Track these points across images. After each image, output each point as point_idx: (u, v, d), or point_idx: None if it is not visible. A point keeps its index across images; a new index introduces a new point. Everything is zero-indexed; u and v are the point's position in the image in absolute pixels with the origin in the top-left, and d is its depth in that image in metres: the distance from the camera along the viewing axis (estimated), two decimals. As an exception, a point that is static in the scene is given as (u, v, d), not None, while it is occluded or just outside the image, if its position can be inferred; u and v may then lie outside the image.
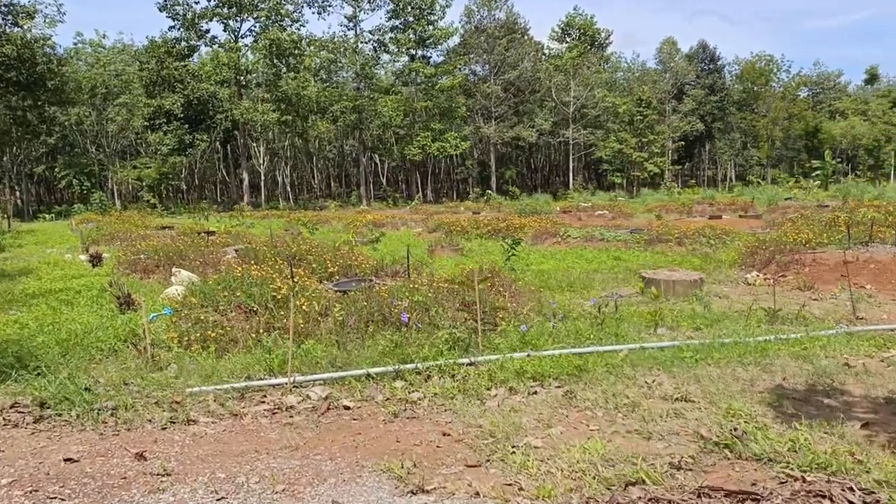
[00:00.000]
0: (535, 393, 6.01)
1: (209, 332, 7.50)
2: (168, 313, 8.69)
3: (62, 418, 5.51)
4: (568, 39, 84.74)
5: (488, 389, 6.07)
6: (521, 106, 76.18)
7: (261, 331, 7.58)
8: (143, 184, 55.55)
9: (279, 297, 8.11)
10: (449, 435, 5.06)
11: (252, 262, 13.81)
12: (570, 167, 77.87)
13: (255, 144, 60.63)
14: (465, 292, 8.26)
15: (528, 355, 6.79)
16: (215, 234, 21.45)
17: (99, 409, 5.62)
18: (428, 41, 66.80)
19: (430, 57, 70.04)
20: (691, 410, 5.32)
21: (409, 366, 6.55)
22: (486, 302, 7.46)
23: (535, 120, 72.51)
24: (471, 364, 6.67)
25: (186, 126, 55.22)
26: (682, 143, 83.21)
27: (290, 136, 65.74)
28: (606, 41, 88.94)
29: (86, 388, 5.98)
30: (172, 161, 55.29)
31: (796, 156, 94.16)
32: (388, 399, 5.93)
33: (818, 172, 64.83)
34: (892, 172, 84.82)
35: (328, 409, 5.78)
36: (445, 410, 5.64)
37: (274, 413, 5.73)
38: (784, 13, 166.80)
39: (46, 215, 49.81)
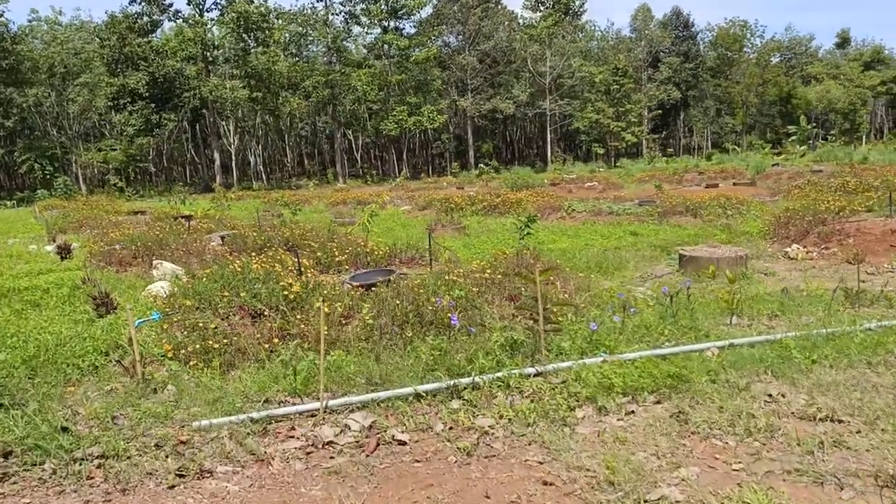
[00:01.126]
0: (632, 413, 4.84)
1: (211, 342, 6.19)
2: (156, 318, 7.34)
3: (33, 474, 4.20)
4: (542, 8, 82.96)
5: (572, 410, 4.89)
6: (497, 78, 74.67)
7: (274, 339, 6.29)
8: (110, 167, 53.19)
9: (291, 296, 6.80)
10: (552, 484, 3.87)
11: (242, 250, 12.47)
12: (548, 139, 76.64)
13: (224, 123, 58.34)
14: (509, 283, 7.04)
15: (605, 361, 5.60)
16: (193, 219, 19.89)
17: (82, 459, 4.32)
18: (400, 12, 64.72)
19: (403, 29, 68.02)
20: (851, 436, 4.18)
21: (464, 380, 5.33)
22: (546, 296, 6.24)
23: (513, 91, 71.04)
24: (538, 374, 5.47)
25: (153, 105, 52.82)
26: (660, 111, 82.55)
27: (261, 114, 63.49)
28: (581, 9, 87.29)
29: (62, 428, 4.67)
30: (139, 142, 52.96)
31: (771, 122, 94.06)
32: (450, 428, 4.72)
33: (794, 137, 64.65)
34: (865, 136, 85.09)
35: (377, 444, 4.55)
36: (530, 443, 4.44)
37: (308, 453, 4.49)
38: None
39: (7, 202, 47.35)
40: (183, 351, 6.19)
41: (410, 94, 64.89)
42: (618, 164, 72.24)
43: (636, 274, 10.92)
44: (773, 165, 42.71)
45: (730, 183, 31.34)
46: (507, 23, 76.29)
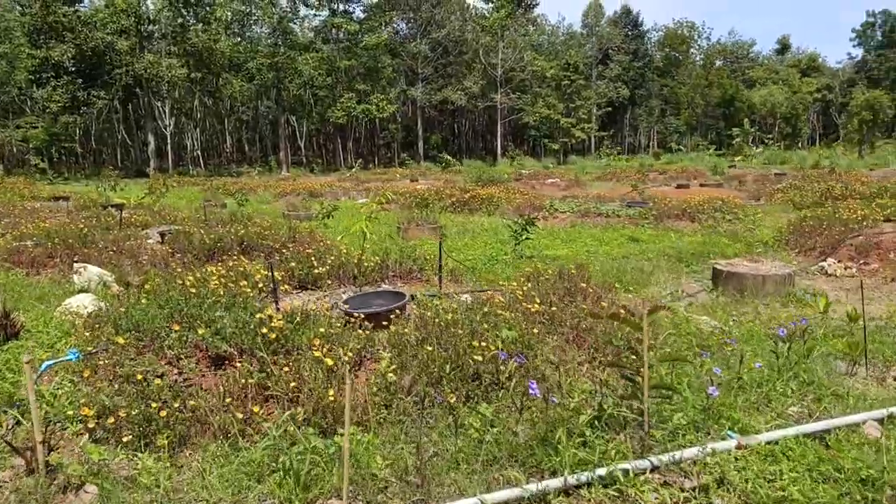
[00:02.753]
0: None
1: (154, 407, 4.19)
2: (74, 358, 5.22)
3: None
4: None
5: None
6: (448, 68, 72.84)
7: (250, 402, 4.32)
8: (30, 146, 48.86)
9: (272, 333, 4.83)
10: None
11: (186, 251, 10.33)
12: (498, 133, 75.32)
13: (160, 104, 54.53)
14: (569, 317, 5.24)
15: (739, 446, 3.89)
16: (126, 208, 17.38)
17: None
18: (351, -6, 62.05)
19: (353, 12, 65.38)
20: None
21: (552, 482, 3.52)
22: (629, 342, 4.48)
23: (464, 83, 69.34)
24: (654, 469, 3.71)
25: (80, 81, 48.80)
26: (609, 109, 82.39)
27: (200, 95, 59.84)
28: (533, 2, 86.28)
29: None
30: (64, 121, 48.84)
31: (714, 124, 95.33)
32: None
33: (738, 139, 65.25)
34: (806, 140, 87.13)
35: None
36: None
37: None
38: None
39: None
40: (112, 419, 4.17)
41: (359, 81, 62.42)
42: (567, 160, 71.71)
43: (664, 291, 9.30)
44: (729, 167, 42.43)
45: (696, 183, 30.42)
46: (459, 12, 74.45)
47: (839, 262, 10.53)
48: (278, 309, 6.18)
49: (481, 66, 72.32)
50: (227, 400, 4.28)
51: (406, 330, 4.95)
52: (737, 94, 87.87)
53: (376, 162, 76.16)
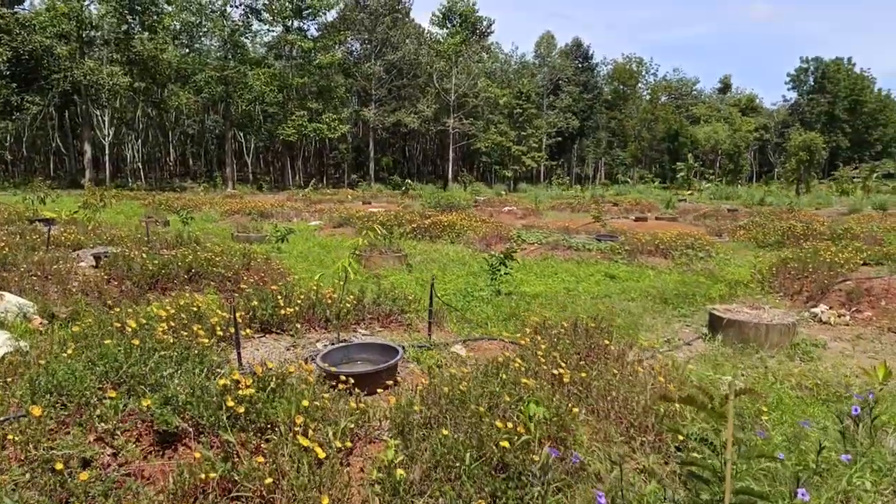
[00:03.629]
0: None
1: (81, 510, 3.11)
2: (-23, 427, 4.09)
3: None
4: (449, 25, 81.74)
5: None
6: (402, 90, 72.32)
7: (211, 497, 3.28)
8: (-46, 151, 45.80)
9: (239, 405, 3.79)
10: None
11: (125, 278, 9.11)
12: (450, 157, 74.94)
13: (99, 112, 52.01)
14: (603, 384, 4.37)
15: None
16: (56, 224, 15.83)
17: None
18: (306, 11, 60.95)
19: (308, 30, 64.21)
20: None
21: None
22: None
23: (418, 106, 68.86)
24: None
25: (13, 85, 46.10)
26: (559, 139, 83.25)
27: (143, 106, 57.51)
28: (488, 30, 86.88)
29: None
30: (-7, 126, 46.02)
31: (659, 157, 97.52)
32: None
33: (681, 174, 66.65)
34: (745, 178, 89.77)
35: None
36: None
37: None
38: (630, 24, 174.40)
39: None
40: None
41: (311, 99, 61.13)
42: (517, 188, 71.81)
43: (657, 337, 8.58)
44: (679, 200, 42.83)
45: (652, 216, 30.33)
46: (414, 36, 74.22)
47: (830, 308, 10.03)
48: (241, 364, 5.13)
49: (435, 90, 72.02)
50: (177, 494, 3.23)
51: (405, 402, 3.98)
52: (681, 129, 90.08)
53: (325, 182, 74.62)
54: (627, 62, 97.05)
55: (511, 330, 8.27)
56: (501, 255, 10.75)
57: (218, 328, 5.63)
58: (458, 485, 3.43)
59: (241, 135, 68.18)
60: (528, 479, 3.48)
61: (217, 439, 3.73)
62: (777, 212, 29.71)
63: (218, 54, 60.93)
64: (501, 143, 73.34)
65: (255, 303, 6.39)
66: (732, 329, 8.29)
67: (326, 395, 3.97)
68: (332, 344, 5.73)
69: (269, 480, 3.30)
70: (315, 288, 6.96)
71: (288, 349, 5.63)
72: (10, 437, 3.84)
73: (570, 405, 3.99)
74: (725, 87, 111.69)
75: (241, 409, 3.74)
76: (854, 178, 59.07)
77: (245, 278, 10.14)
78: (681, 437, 4.11)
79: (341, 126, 61.34)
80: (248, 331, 6.12)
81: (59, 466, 3.42)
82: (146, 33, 50.89)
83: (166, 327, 5.00)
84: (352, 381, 4.25)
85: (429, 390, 4.11)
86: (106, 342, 4.73)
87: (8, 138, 50.71)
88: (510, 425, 3.68)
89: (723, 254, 15.76)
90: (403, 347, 5.44)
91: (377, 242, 14.47)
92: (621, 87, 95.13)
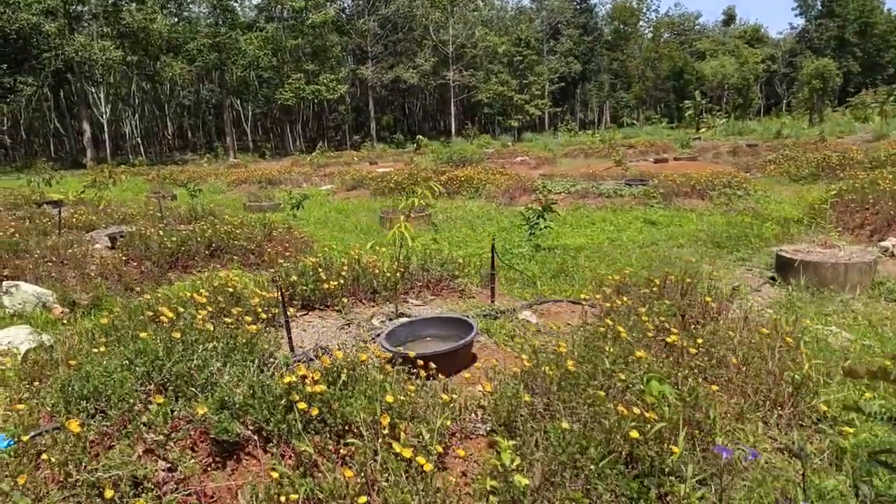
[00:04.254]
0: None
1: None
2: (6, 446, 3.52)
3: None
4: (442, -27, 79.32)
5: None
6: (398, 45, 70.58)
7: (297, 532, 2.70)
8: (-49, 139, 44.97)
9: (304, 403, 3.19)
10: None
11: (144, 258, 8.51)
12: (452, 111, 73.52)
13: (94, 90, 50.84)
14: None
15: None
16: (63, 205, 15.18)
17: None
18: (294, -31, 59.00)
19: (298, -12, 62.21)
20: None
21: None
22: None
23: (416, 60, 67.23)
24: None
25: (4, 67, 44.97)
26: (562, 84, 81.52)
27: (138, 80, 56.29)
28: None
29: None
30: (-12, 110, 45.08)
31: (665, 97, 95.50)
32: None
33: (689, 112, 65.12)
34: (760, 109, 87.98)
35: None
36: None
37: None
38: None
39: None
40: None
41: (307, 61, 59.64)
42: (522, 138, 70.47)
43: (721, 284, 7.92)
44: (694, 139, 41.73)
45: (670, 157, 29.43)
46: (407, -13, 72.08)
47: (899, 241, 9.34)
48: (292, 350, 4.52)
49: (432, 42, 70.21)
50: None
51: (509, 390, 3.35)
52: (686, 66, 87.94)
53: (326, 145, 73.49)
54: (627, 0, 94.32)
55: (564, 287, 7.65)
56: (539, 208, 10.06)
57: (259, 309, 5.01)
58: (587, 488, 2.83)
59: (239, 103, 66.93)
60: (668, 479, 2.88)
61: (289, 448, 3.14)
62: (802, 143, 28.73)
63: (208, 21, 59.34)
64: (503, 93, 71.85)
65: (295, 277, 5.76)
66: (807, 271, 7.63)
67: (412, 387, 3.35)
68: (390, 319, 5.13)
69: (363, 500, 2.70)
70: (357, 257, 6.32)
71: (341, 329, 5.02)
72: (45, 456, 3.27)
73: (697, 380, 3.37)
74: (729, 18, 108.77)
75: (315, 411, 3.13)
76: (872, 103, 57.42)
77: (269, 250, 9.53)
78: (823, 409, 3.51)
79: (339, 86, 60.01)
80: (290, 310, 5.50)
81: (108, 494, 2.83)
82: (134, 4, 49.38)
83: (206, 314, 4.38)
84: (433, 365, 3.63)
85: (530, 373, 3.49)
86: (141, 335, 4.12)
87: (5, 122, 49.78)
88: (636, 410, 3.06)
89: (761, 191, 14.99)
90: (471, 319, 4.81)
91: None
92: (622, 26, 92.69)
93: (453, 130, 71.79)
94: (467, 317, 4.83)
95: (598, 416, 3.01)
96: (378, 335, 4.78)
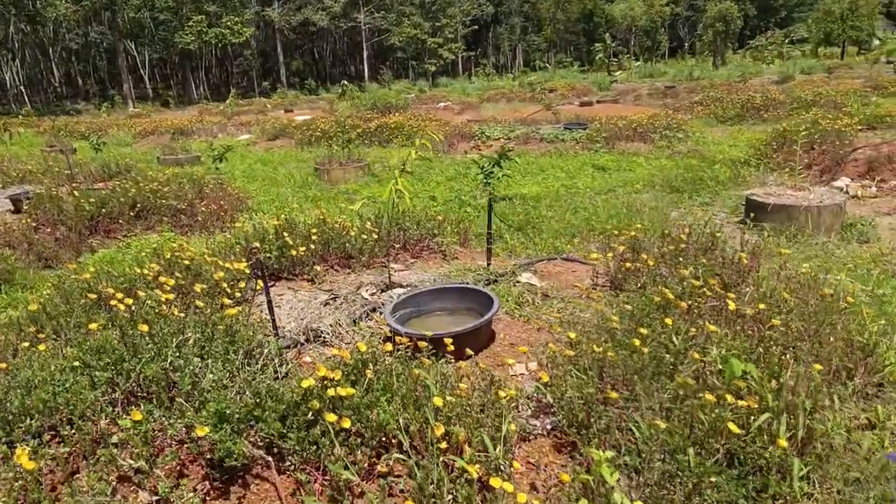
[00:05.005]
0: None
1: None
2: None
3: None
4: None
5: None
6: (305, -15, 67.13)
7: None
8: None
9: (345, 419, 2.54)
10: None
11: (59, 223, 7.46)
12: (365, 55, 71.23)
13: (-34, 32, 45.86)
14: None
15: None
16: (-55, 165, 13.35)
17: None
18: None
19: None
20: None
21: None
22: None
23: (325, 1, 64.28)
24: None
25: None
26: (474, 27, 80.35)
27: (15, 21, 51.15)
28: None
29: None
30: None
31: (575, 40, 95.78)
32: None
33: (599, 55, 65.63)
34: (665, 53, 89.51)
35: None
36: None
37: None
38: None
39: None
40: None
41: (208, 1, 55.80)
42: (437, 83, 69.16)
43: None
44: (612, 82, 41.95)
45: (594, 100, 29.38)
46: (311, -79, 68.26)
47: (853, 181, 9.37)
48: (277, 332, 3.83)
49: (340, -18, 67.20)
50: None
51: (572, 381, 2.81)
52: (595, 8, 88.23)
53: (230, 92, 69.72)
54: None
55: (536, 242, 7.18)
56: (494, 156, 9.48)
57: (225, 285, 4.25)
58: (692, 498, 2.36)
59: (134, 47, 62.22)
60: (772, 477, 2.44)
61: (316, 471, 2.50)
62: (718, 84, 29.22)
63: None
64: (416, 37, 70.07)
65: (257, 244, 4.98)
66: (780, 214, 7.45)
67: (463, 385, 2.75)
68: (382, 290, 4.47)
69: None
70: (322, 218, 5.57)
71: (325, 304, 4.33)
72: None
73: (781, 355, 2.94)
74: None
75: (346, 423, 2.49)
76: (770, 46, 59.36)
77: (202, 209, 8.57)
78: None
79: (245, 29, 56.65)
80: (259, 283, 4.74)
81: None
82: (6, -66, 44.46)
83: (172, 297, 3.60)
84: (470, 352, 3.03)
85: (583, 354, 2.95)
86: (91, 327, 3.33)
87: None
88: (729, 398, 2.59)
89: (697, 132, 14.95)
90: (483, 288, 4.22)
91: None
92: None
93: (366, 76, 69.57)
94: (476, 286, 4.24)
95: (692, 409, 2.53)
96: (372, 310, 4.13)
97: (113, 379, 2.96)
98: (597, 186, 10.24)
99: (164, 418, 2.85)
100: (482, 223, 7.88)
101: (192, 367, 3.00)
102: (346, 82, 39.02)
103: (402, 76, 77.66)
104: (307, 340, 3.78)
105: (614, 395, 2.59)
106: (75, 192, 8.17)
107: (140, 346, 3.07)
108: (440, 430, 2.44)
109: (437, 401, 2.52)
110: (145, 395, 3.00)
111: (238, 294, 4.24)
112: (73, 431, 2.76)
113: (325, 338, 3.79)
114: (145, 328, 3.08)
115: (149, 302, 3.34)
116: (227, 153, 14.55)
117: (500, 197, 9.55)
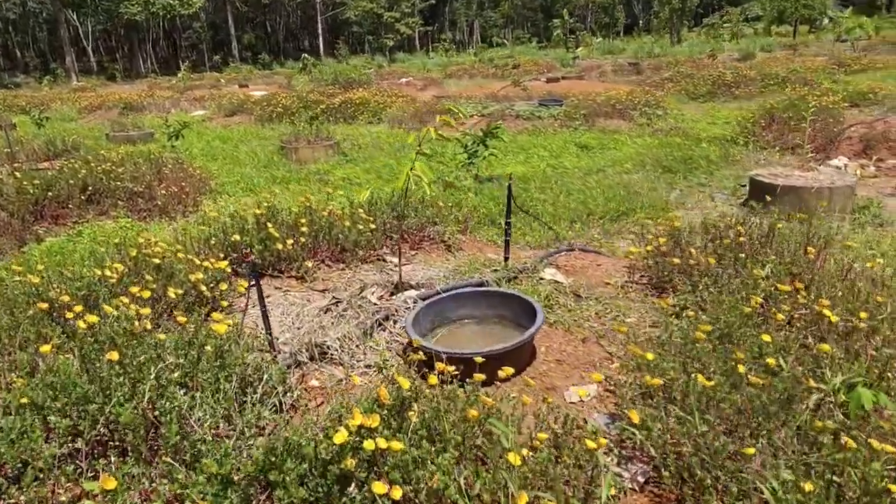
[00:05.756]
0: None
1: None
2: None
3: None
4: None
5: None
6: (257, -46, 64.82)
7: None
8: None
9: (396, 490, 1.92)
10: None
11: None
12: (319, 29, 69.32)
13: None
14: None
15: None
16: None
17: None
18: None
19: None
20: None
21: None
22: None
23: (278, -28, 62.18)
24: None
25: None
26: (431, 2, 79.00)
27: (-54, -12, 48.01)
28: None
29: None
30: None
31: (533, 16, 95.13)
32: None
33: (557, 31, 65.16)
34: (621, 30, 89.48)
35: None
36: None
37: None
38: None
39: None
40: None
41: (155, -31, 53.27)
42: (394, 58, 67.75)
43: (690, 214, 7.24)
44: (573, 58, 41.50)
45: (559, 77, 28.88)
46: None
47: (849, 160, 9.05)
48: (273, 347, 3.18)
49: (294, -48, 65.07)
50: None
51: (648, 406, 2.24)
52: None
53: (180, 66, 67.12)
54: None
55: (535, 228, 6.61)
56: (480, 133, 8.85)
57: (203, 287, 3.57)
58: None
59: (76, 17, 59.21)
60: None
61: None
62: (682, 61, 29.01)
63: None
64: (372, 10, 68.51)
65: (237, 237, 4.28)
66: (789, 196, 7.03)
67: (542, 435, 2.15)
68: (391, 293, 3.80)
69: None
70: (308, 204, 4.88)
71: (326, 310, 3.66)
72: None
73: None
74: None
75: (397, 493, 1.88)
76: (724, 24, 59.63)
77: (162, 192, 7.76)
78: None
79: (194, 0, 54.36)
80: (239, 281, 4.05)
81: None
82: None
83: (148, 312, 2.90)
84: (506, 372, 2.43)
85: (673, 382, 2.37)
86: (43, 349, 2.64)
87: None
88: (875, 444, 2.06)
89: (675, 109, 14.57)
90: (518, 293, 3.61)
91: (299, 130, 12.12)
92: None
93: (321, 51, 67.72)
94: (506, 289, 3.64)
95: (841, 463, 1.99)
96: (385, 318, 3.49)
97: (75, 426, 2.29)
98: (584, 166, 9.72)
99: (143, 477, 2.20)
100: (480, 207, 7.29)
101: (177, 407, 2.34)
102: (307, 56, 37.58)
103: (357, 52, 75.97)
104: (311, 358, 3.14)
105: (750, 450, 2.04)
106: (17, 173, 7.27)
107: (109, 379, 2.39)
108: (523, 500, 1.85)
109: (514, 458, 1.93)
110: (117, 444, 2.33)
111: (224, 302, 3.55)
112: (20, 496, 2.09)
113: (332, 354, 3.16)
114: (115, 356, 2.40)
115: (117, 321, 2.65)
116: (184, 130, 13.58)
117: (485, 178, 8.95)
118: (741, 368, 2.33)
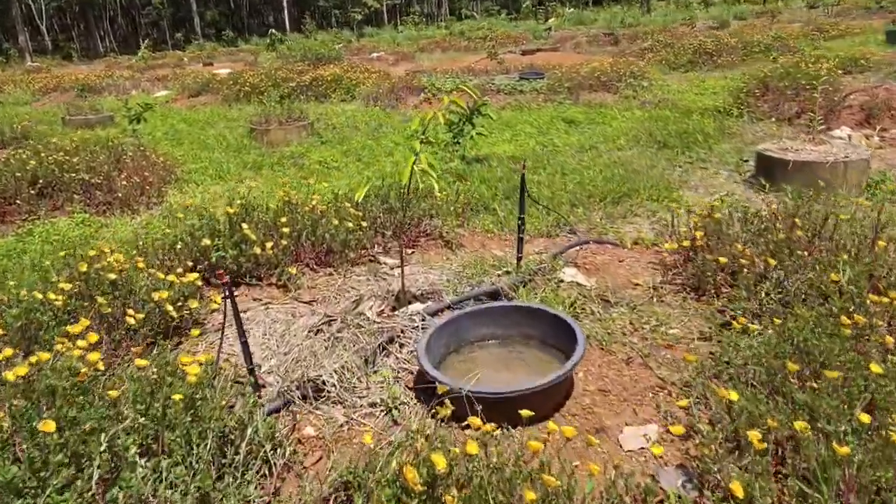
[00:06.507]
0: None
1: None
2: None
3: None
4: None
5: None
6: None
7: None
8: None
9: None
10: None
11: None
12: (285, 4, 67.55)
13: None
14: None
15: None
16: None
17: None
18: None
19: None
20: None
21: None
22: None
23: (239, -56, 60.18)
24: None
25: None
26: (399, -27, 77.32)
27: None
28: None
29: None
30: None
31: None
32: None
33: (527, 3, 64.27)
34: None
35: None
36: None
37: None
38: None
39: None
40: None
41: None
42: (364, 33, 66.33)
43: (698, 193, 6.78)
44: (546, 30, 40.78)
45: (534, 49, 28.22)
46: None
47: (852, 130, 8.64)
48: (256, 384, 2.62)
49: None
50: None
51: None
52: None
53: (140, 45, 64.91)
54: None
55: (532, 212, 6.07)
56: (465, 110, 8.26)
57: (170, 307, 2.99)
58: None
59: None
60: None
61: None
62: (658, 30, 28.52)
63: None
64: (340, -16, 66.85)
65: (207, 241, 3.68)
66: (801, 173, 6.58)
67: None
68: (393, 308, 3.21)
69: None
70: (286, 196, 4.28)
71: (317, 331, 3.09)
72: None
73: None
74: None
75: None
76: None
77: (122, 182, 7.07)
78: None
79: (153, -25, 52.39)
80: (212, 293, 3.47)
81: None
82: None
83: (98, 357, 2.31)
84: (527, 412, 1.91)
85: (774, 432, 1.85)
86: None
87: None
88: None
89: (659, 80, 14.07)
90: (552, 310, 3.06)
91: (268, 111, 11.39)
92: None
93: (287, 26, 65.97)
94: (531, 304, 3.10)
95: None
96: (391, 340, 2.93)
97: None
98: (575, 143, 9.19)
99: None
100: (472, 192, 6.72)
101: (136, 492, 1.78)
102: (274, 31, 36.30)
103: (325, 27, 74.22)
104: (304, 397, 2.60)
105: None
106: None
107: (45, 459, 1.82)
108: None
109: None
110: None
111: (196, 331, 2.97)
112: None
113: (328, 391, 2.61)
114: (52, 427, 1.82)
115: (56, 372, 2.06)
116: (146, 112, 12.76)
117: (472, 158, 8.39)
118: (894, 436, 1.79)
